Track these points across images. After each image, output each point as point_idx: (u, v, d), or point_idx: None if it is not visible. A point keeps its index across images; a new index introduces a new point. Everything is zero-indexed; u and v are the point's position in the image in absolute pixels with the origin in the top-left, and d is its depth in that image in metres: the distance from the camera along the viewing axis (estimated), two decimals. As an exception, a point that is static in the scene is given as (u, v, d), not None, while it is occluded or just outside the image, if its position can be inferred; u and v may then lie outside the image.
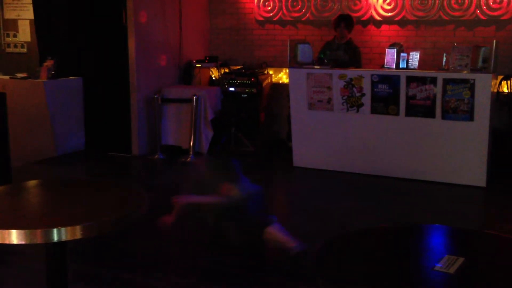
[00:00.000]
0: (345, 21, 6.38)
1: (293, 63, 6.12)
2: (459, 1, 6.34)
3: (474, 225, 4.47)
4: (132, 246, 4.05)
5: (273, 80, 7.42)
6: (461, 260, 2.20)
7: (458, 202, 5.14)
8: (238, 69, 7.28)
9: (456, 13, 6.38)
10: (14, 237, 2.26)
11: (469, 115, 5.32)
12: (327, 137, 6.03)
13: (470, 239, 2.57)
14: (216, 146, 6.91)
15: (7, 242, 2.28)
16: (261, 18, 7.46)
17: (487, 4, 6.23)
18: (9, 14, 7.69)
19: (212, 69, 7.59)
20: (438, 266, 2.16)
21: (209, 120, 6.76)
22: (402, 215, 4.75)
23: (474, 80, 5.24)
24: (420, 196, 5.30)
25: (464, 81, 5.28)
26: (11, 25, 7.66)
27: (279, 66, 7.31)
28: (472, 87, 5.25)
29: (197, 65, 7.40)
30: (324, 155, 6.08)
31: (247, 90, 7.00)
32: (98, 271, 3.64)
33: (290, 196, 5.75)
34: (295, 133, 6.21)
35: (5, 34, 7.70)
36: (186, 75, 7.45)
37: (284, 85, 7.13)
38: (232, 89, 7.07)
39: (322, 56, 6.30)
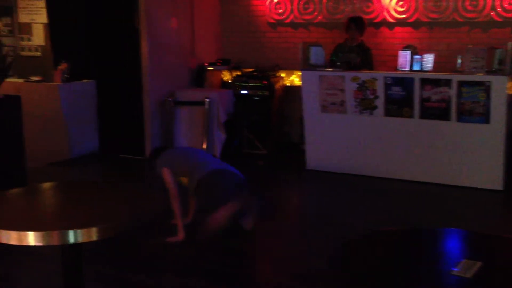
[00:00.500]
0: (356, 23, 6.35)
1: (305, 66, 6.11)
2: (474, 3, 6.29)
3: (491, 229, 4.41)
4: (147, 246, 4.06)
5: (285, 82, 7.41)
6: (478, 264, 2.18)
7: (475, 205, 5.09)
8: (250, 71, 7.28)
9: (471, 15, 6.33)
10: (31, 238, 2.28)
11: (485, 118, 5.27)
12: (340, 140, 6.00)
13: (487, 243, 2.55)
14: (229, 148, 6.92)
15: (24, 244, 2.29)
16: (273, 21, 7.46)
17: (502, 6, 6.17)
18: (24, 18, 7.75)
19: (224, 72, 7.60)
20: (455, 270, 2.14)
21: (222, 123, 6.77)
22: (417, 219, 4.71)
23: (489, 82, 5.19)
24: (435, 200, 5.26)
25: (479, 83, 5.24)
26: (26, 29, 7.72)
27: (291, 68, 7.29)
28: (487, 89, 5.20)
29: (209, 68, 7.41)
30: (337, 157, 6.06)
31: (259, 93, 7.00)
32: (112, 271, 3.65)
33: (303, 199, 5.73)
34: (308, 135, 6.19)
35: (20, 37, 7.76)
36: (198, 78, 7.47)
37: (296, 88, 7.12)
38: (244, 91, 7.07)
39: (334, 58, 6.28)
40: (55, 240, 2.30)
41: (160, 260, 3.85)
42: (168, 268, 3.71)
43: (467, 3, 6.32)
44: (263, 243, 4.25)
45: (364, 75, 5.80)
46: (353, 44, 6.39)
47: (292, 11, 7.30)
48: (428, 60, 5.56)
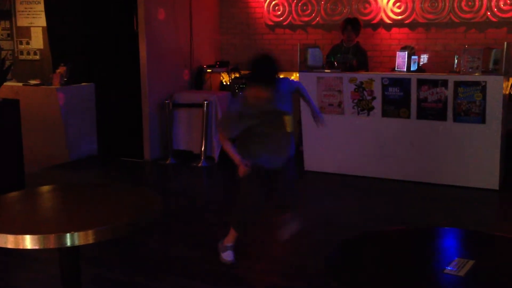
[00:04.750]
0: (352, 24, 6.38)
1: (303, 67, 6.14)
2: (470, 3, 6.32)
3: (487, 228, 4.44)
4: (146, 249, 4.08)
5: (283, 84, 7.42)
6: (471, 262, 2.20)
7: (471, 205, 5.11)
8: (249, 73, 7.28)
9: (467, 15, 6.36)
10: (28, 242, 2.30)
11: (481, 118, 5.29)
12: (338, 141, 6.03)
13: (480, 241, 2.57)
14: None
15: (21, 247, 2.32)
16: (271, 23, 7.49)
17: (497, 6, 6.20)
18: (22, 22, 7.79)
19: (222, 74, 7.63)
20: (448, 269, 2.16)
21: (220, 125, 6.78)
22: (414, 218, 4.73)
23: (485, 82, 5.21)
24: (432, 199, 5.28)
25: (475, 83, 5.26)
26: (24, 33, 7.75)
27: (289, 70, 7.31)
28: (483, 89, 5.23)
29: (208, 70, 7.44)
30: (335, 159, 6.08)
31: (257, 95, 7.01)
32: (111, 274, 3.67)
33: (301, 200, 5.74)
34: (306, 137, 6.21)
35: (18, 41, 7.80)
36: (197, 80, 7.49)
37: (294, 89, 7.13)
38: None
39: (332, 59, 6.30)
40: (52, 243, 2.32)
41: (159, 263, 3.86)
42: (167, 270, 3.72)
43: (463, 3, 6.35)
44: (262, 243, 4.26)
45: (362, 76, 5.82)
46: (349, 45, 6.42)
47: (290, 13, 7.32)
48: (425, 61, 5.58)
